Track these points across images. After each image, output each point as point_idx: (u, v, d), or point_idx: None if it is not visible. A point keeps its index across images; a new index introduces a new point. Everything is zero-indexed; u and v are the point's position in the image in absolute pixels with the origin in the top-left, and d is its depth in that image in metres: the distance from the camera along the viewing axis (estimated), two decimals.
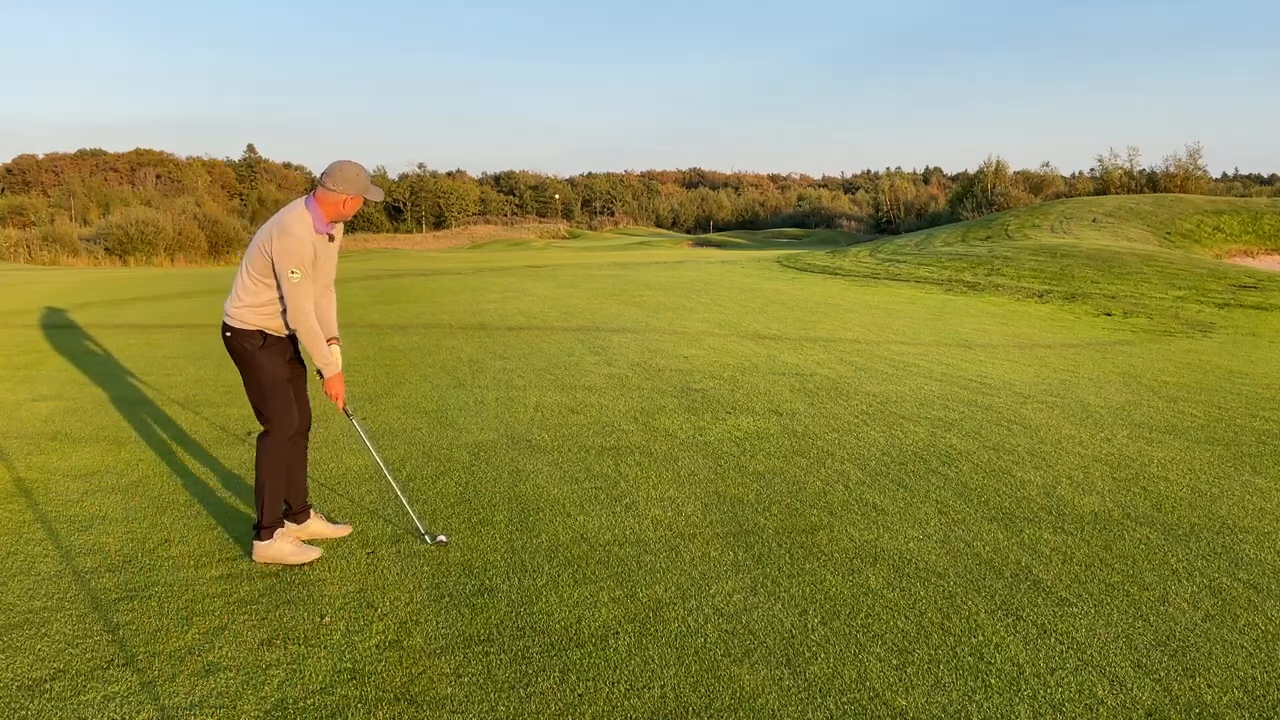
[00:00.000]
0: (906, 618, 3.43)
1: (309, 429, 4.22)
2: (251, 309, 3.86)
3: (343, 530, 4.24)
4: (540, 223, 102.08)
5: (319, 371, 3.98)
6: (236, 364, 3.99)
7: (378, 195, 3.93)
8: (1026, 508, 4.61)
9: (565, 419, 6.36)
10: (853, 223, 79.71)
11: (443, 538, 4.15)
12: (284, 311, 3.87)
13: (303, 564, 3.90)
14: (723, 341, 9.82)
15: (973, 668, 3.08)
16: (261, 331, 3.90)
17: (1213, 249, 25.44)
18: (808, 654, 3.16)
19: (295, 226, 3.76)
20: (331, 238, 3.97)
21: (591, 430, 6.06)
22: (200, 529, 4.34)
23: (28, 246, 40.74)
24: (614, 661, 3.12)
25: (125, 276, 23.11)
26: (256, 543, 3.92)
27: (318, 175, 3.92)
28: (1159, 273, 15.94)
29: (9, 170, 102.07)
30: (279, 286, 3.80)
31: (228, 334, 3.93)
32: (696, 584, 3.72)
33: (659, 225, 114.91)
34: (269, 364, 3.91)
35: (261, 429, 4.00)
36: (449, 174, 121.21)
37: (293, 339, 4.03)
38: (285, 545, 3.91)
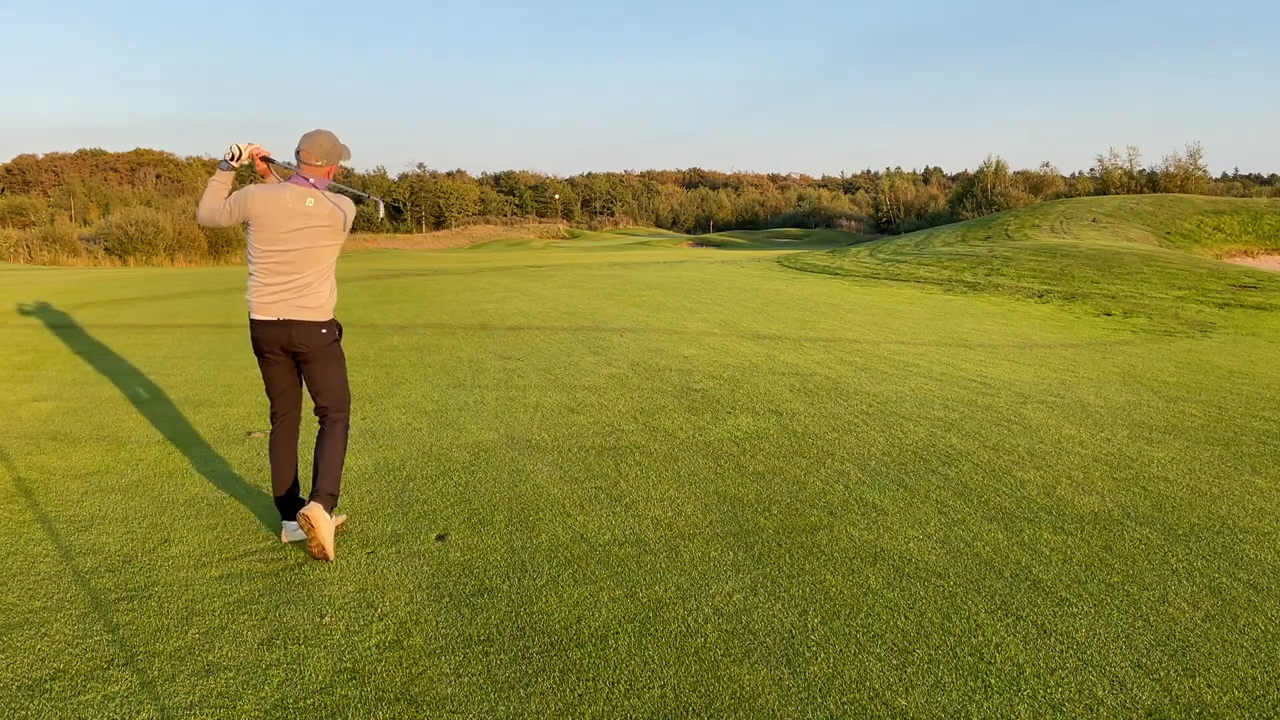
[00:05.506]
0: (906, 618, 3.43)
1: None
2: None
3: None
4: (540, 223, 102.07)
5: (231, 159, 4.03)
6: None
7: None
8: (1026, 508, 4.61)
9: (565, 419, 6.36)
10: (853, 223, 79.81)
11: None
12: (251, 276, 4.02)
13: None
14: (723, 341, 9.82)
15: (973, 668, 3.08)
16: (249, 315, 4.09)
17: (1213, 249, 25.44)
18: (808, 654, 3.16)
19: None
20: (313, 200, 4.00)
21: (591, 430, 6.06)
22: (200, 529, 4.34)
23: (28, 246, 40.72)
24: (614, 661, 3.12)
25: (125, 276, 23.11)
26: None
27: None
28: (1159, 273, 15.93)
29: (9, 170, 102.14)
30: (249, 258, 4.01)
31: None
32: (696, 584, 3.72)
33: (659, 225, 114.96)
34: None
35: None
36: (449, 174, 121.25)
37: (286, 323, 4.01)
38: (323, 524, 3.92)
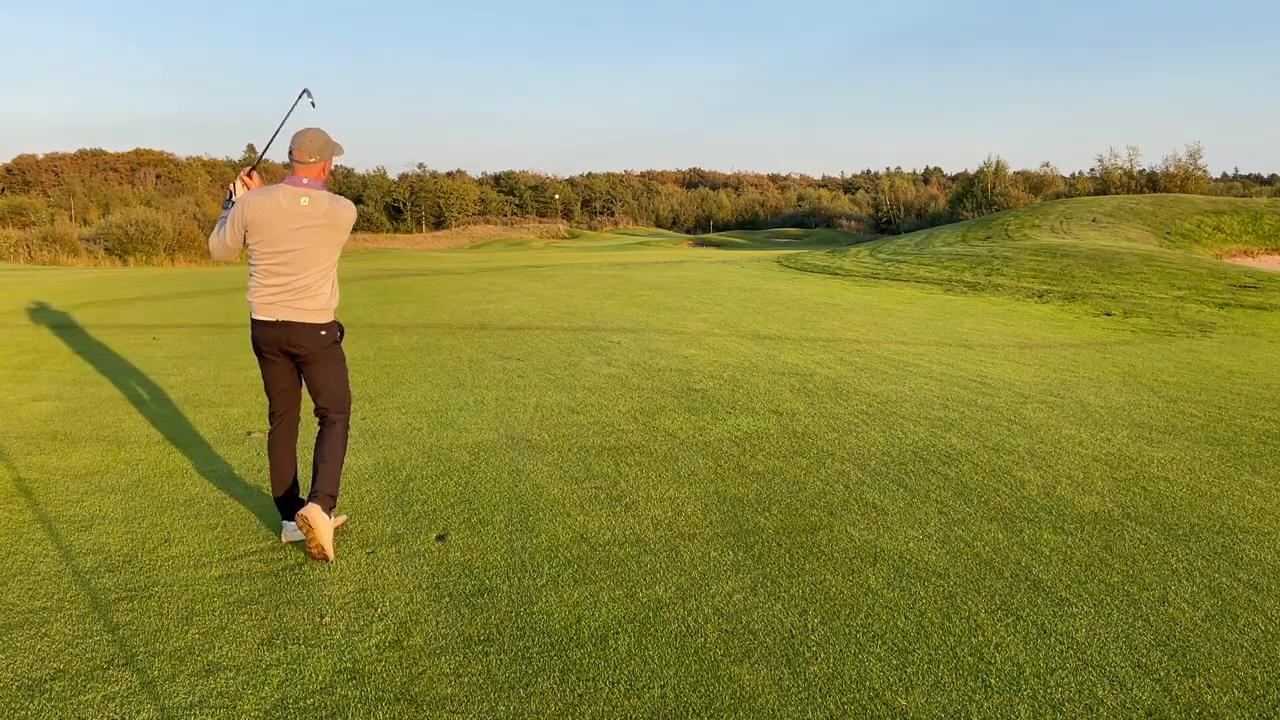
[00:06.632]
0: (906, 618, 3.43)
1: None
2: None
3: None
4: (540, 223, 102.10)
5: (230, 198, 4.10)
6: None
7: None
8: (1026, 508, 4.62)
9: (565, 419, 6.36)
10: (853, 223, 79.87)
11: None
12: (251, 277, 4.05)
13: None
14: (723, 341, 9.82)
15: (973, 668, 3.08)
16: (250, 315, 4.09)
17: (1213, 249, 25.44)
18: (808, 654, 3.16)
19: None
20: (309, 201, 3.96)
21: (591, 430, 6.06)
22: (200, 529, 4.34)
23: (28, 246, 40.70)
24: (614, 661, 3.12)
25: (125, 276, 23.10)
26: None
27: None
28: (1159, 273, 15.93)
29: (9, 170, 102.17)
30: (249, 258, 4.01)
31: None
32: (696, 584, 3.72)
33: (659, 225, 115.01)
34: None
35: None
36: (449, 174, 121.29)
37: (285, 324, 4.01)
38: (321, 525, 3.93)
